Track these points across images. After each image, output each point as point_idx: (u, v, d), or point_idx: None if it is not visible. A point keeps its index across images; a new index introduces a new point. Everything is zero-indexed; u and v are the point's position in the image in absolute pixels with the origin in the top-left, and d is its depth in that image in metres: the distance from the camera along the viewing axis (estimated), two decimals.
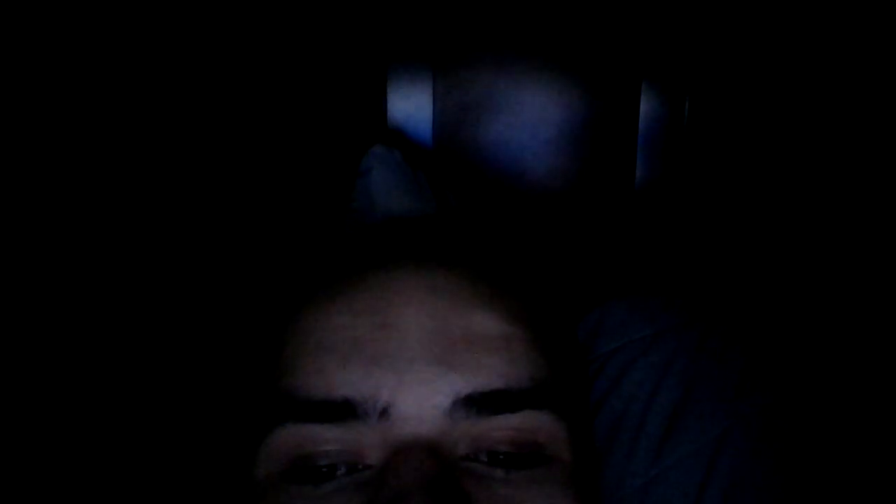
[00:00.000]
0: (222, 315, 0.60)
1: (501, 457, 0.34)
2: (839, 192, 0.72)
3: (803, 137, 0.73)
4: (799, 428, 0.48)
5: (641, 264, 0.72)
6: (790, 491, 0.45)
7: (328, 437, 0.33)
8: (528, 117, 0.76)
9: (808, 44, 0.72)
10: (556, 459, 0.35)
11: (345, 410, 0.33)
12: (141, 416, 0.55)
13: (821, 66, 0.72)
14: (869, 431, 0.48)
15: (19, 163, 0.67)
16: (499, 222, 0.66)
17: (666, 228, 0.75)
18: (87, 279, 0.67)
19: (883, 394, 0.49)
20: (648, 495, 0.46)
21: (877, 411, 0.49)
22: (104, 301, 0.66)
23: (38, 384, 0.60)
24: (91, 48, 0.68)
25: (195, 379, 0.56)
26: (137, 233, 0.69)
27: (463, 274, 0.38)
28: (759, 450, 0.46)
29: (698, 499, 0.45)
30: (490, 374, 0.34)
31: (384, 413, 0.33)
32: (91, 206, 0.69)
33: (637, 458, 0.47)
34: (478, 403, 0.33)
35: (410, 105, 0.75)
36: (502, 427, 0.34)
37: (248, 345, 0.44)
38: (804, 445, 0.47)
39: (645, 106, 0.75)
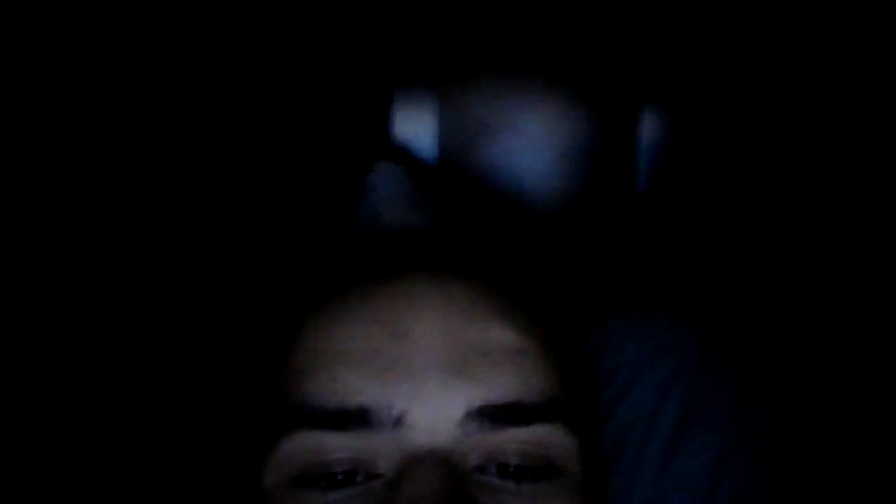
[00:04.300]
0: (228, 322, 0.60)
1: (511, 469, 0.34)
2: (843, 210, 0.72)
3: (806, 156, 0.74)
4: (802, 445, 0.48)
5: (642, 282, 0.72)
6: None
7: (340, 445, 0.33)
8: (531, 137, 0.76)
9: (811, 65, 0.73)
10: (566, 473, 0.35)
11: (359, 419, 0.33)
12: (145, 423, 0.55)
13: (824, 86, 0.73)
14: (873, 447, 0.48)
15: (19, 162, 0.67)
16: (505, 237, 0.67)
17: (667, 247, 0.75)
18: (93, 285, 0.66)
19: (887, 409, 0.50)
20: None
21: (881, 427, 0.49)
22: (110, 307, 0.66)
23: (41, 391, 0.59)
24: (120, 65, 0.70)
25: (200, 385, 0.56)
26: (149, 237, 0.70)
27: (477, 285, 0.38)
28: (762, 467, 0.46)
29: None
30: (504, 386, 0.34)
31: (398, 422, 0.32)
32: (107, 214, 0.69)
33: (641, 475, 0.47)
34: (491, 415, 0.33)
35: (415, 124, 0.76)
36: (514, 440, 0.34)
37: (254, 351, 0.44)
38: (807, 462, 0.47)
39: (647, 127, 0.76)
